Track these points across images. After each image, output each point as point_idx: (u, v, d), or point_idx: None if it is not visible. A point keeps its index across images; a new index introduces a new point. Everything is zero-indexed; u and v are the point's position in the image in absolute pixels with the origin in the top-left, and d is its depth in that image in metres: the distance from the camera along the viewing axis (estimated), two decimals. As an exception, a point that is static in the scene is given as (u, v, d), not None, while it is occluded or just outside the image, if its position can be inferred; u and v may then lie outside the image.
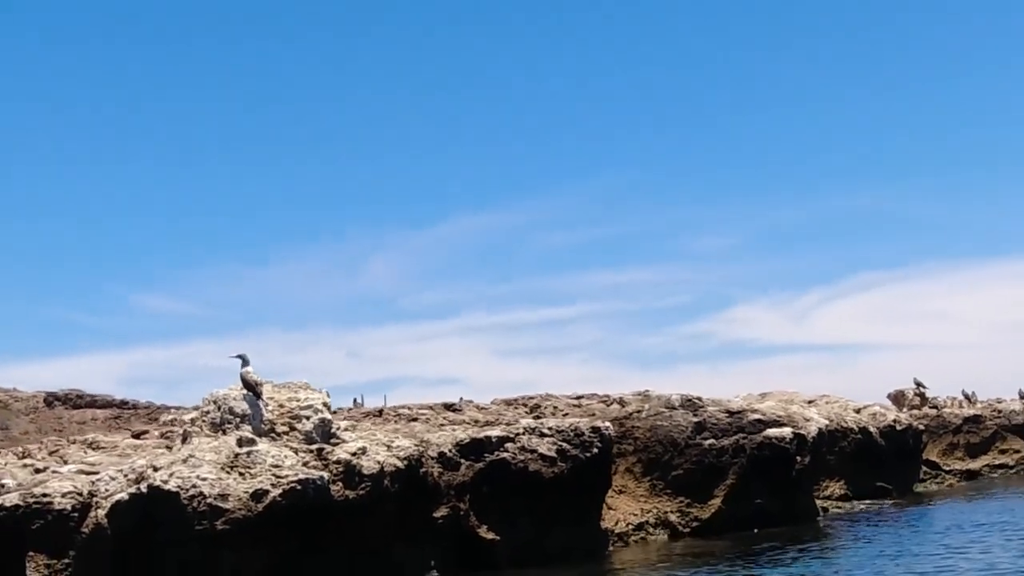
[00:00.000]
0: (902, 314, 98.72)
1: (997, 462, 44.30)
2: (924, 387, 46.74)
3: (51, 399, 40.56)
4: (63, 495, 19.11)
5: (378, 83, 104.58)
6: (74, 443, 24.32)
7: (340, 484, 19.58)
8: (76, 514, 18.94)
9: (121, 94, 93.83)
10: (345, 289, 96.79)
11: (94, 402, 40.89)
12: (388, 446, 20.98)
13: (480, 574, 21.62)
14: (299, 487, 18.79)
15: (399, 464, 20.59)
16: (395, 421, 25.94)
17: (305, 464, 19.49)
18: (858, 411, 37.63)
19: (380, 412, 27.67)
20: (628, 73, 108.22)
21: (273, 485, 18.73)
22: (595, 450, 23.50)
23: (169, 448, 20.82)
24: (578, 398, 31.38)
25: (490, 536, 22.27)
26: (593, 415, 27.47)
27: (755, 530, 27.06)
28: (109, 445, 23.23)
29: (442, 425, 25.30)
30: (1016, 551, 21.59)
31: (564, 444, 23.30)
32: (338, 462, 19.77)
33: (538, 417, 27.01)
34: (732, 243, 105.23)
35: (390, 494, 20.28)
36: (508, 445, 22.98)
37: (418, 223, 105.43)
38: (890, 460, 36.69)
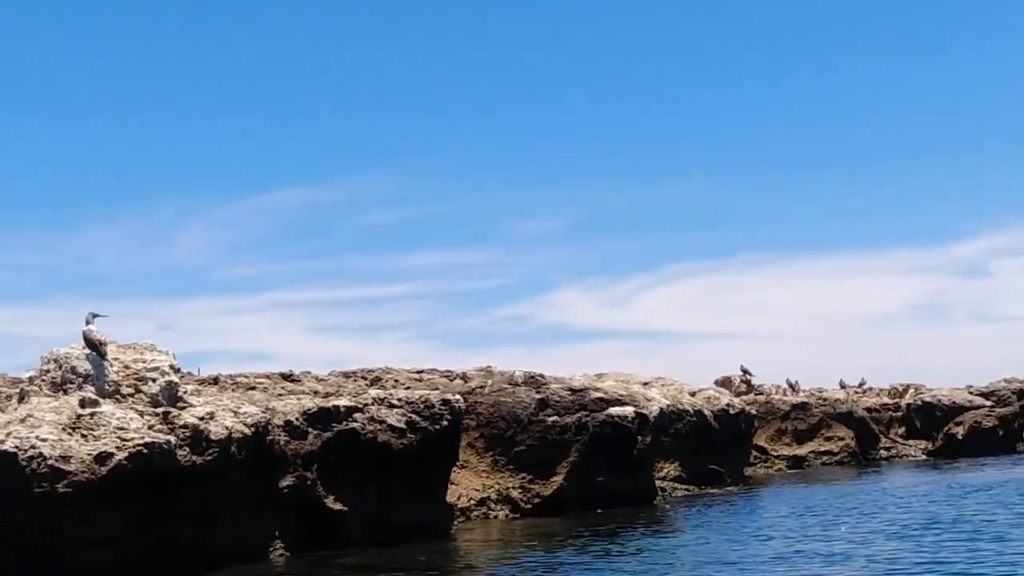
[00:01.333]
0: (719, 304, 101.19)
1: (823, 448, 45.64)
2: (750, 374, 48.09)
3: None
4: None
5: (210, 47, 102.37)
6: None
7: (187, 449, 19.16)
8: (-97, 475, 18.12)
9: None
10: (157, 259, 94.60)
11: None
12: (235, 412, 20.62)
13: (327, 552, 21.34)
14: (145, 451, 18.34)
15: (246, 431, 20.25)
16: (232, 389, 25.43)
17: (151, 428, 19.01)
18: (693, 394, 38.33)
19: (215, 380, 27.08)
20: (459, 54, 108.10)
21: (118, 448, 18.22)
22: (445, 423, 23.46)
23: (2, 409, 20.02)
24: (419, 372, 31.25)
25: (337, 507, 22.06)
26: (436, 389, 27.34)
27: (599, 510, 27.34)
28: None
29: (280, 395, 24.89)
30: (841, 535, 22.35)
31: (414, 416, 23.20)
32: (185, 426, 19.33)
33: (378, 390, 26.83)
34: (554, 227, 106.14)
35: (237, 461, 19.95)
36: (357, 415, 22.79)
37: (235, 195, 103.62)
38: (723, 443, 37.46)
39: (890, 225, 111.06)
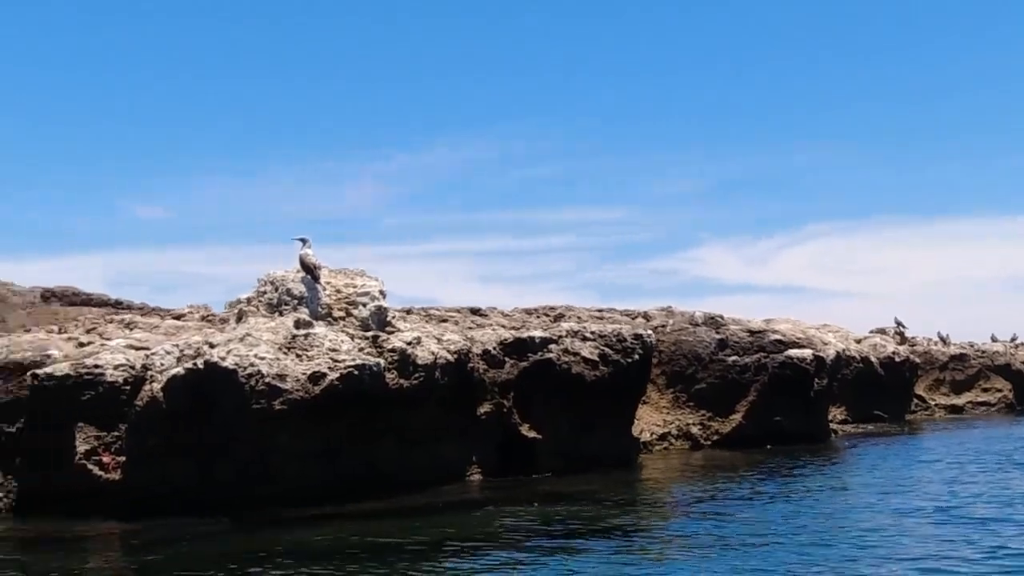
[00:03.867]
0: (856, 263, 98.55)
1: (980, 399, 43.63)
2: (904, 326, 45.97)
3: (48, 295, 39.06)
4: (115, 367, 17.73)
5: (375, 10, 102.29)
6: (111, 323, 22.96)
7: (395, 372, 18.34)
8: (128, 387, 17.59)
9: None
10: (327, 207, 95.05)
11: (89, 300, 39.36)
12: (439, 339, 19.76)
13: (520, 478, 20.33)
14: (355, 372, 17.50)
15: (449, 357, 19.39)
16: (426, 320, 24.66)
17: (361, 350, 18.21)
18: (858, 341, 36.70)
19: (408, 311, 26.37)
20: (607, 16, 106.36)
21: (330, 368, 17.43)
22: (636, 356, 22.27)
23: (222, 330, 19.44)
24: (599, 310, 30.17)
25: (532, 435, 21.09)
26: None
27: (768, 446, 26.05)
28: (148, 326, 21.85)
29: (470, 328, 24.04)
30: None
31: (606, 349, 22.06)
32: (393, 350, 18.50)
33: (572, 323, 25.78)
34: (699, 186, 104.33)
35: (440, 386, 19.09)
36: (551, 346, 21.74)
37: (400, 148, 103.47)
38: (887, 390, 35.83)
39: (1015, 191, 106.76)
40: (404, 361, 18.45)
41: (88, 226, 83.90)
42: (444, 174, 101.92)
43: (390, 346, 18.51)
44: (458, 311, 27.31)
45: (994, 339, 49.85)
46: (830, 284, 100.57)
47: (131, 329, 21.33)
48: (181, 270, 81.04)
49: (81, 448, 17.26)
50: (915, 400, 40.57)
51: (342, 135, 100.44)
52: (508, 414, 20.93)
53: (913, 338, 46.64)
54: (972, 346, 48.55)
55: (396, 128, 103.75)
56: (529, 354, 21.52)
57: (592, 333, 22.25)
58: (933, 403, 42.28)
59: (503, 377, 21.08)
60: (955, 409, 42.60)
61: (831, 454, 25.60)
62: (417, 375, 18.55)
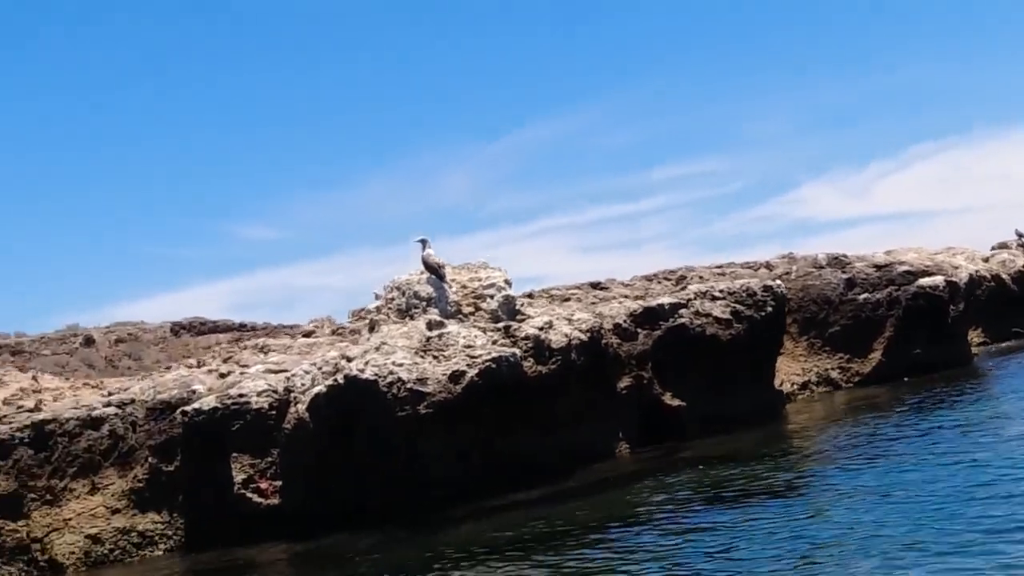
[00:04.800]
0: (960, 180, 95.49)
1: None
2: (1027, 236, 44.28)
3: (177, 328, 39.84)
4: (258, 394, 17.75)
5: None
6: (245, 349, 23.08)
7: (531, 360, 18.05)
8: (274, 411, 17.58)
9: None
10: (425, 203, 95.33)
11: (216, 327, 40.13)
12: (569, 320, 19.42)
13: (667, 445, 19.86)
14: (494, 365, 17.20)
15: (583, 336, 19.03)
16: (549, 301, 24.37)
17: (495, 343, 17.93)
18: (986, 260, 35.45)
19: (530, 295, 26.14)
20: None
21: (469, 365, 17.17)
22: (769, 308, 21.69)
23: (355, 342, 19.38)
24: (719, 267, 29.61)
25: (675, 403, 20.67)
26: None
27: (905, 379, 25.22)
28: (281, 347, 21.89)
29: (593, 303, 23.69)
30: None
31: (737, 305, 21.53)
32: (526, 338, 18.21)
33: (683, 289, 25.27)
34: (787, 127, 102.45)
35: (577, 367, 18.76)
36: (682, 311, 21.29)
37: (486, 135, 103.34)
38: (1021, 305, 34.58)
39: None
40: (539, 347, 18.17)
41: (200, 255, 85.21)
42: (534, 153, 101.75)
43: (523, 334, 18.23)
44: (579, 287, 27.00)
45: None
46: (939, 205, 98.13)
47: (265, 353, 21.38)
48: (295, 285, 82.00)
49: (238, 478, 17.30)
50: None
51: (430, 128, 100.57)
52: (648, 385, 20.54)
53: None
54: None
55: (479, 116, 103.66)
56: (660, 322, 21.10)
57: (721, 291, 21.75)
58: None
59: (638, 349, 20.69)
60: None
61: (974, 379, 24.76)
62: (554, 360, 18.26)
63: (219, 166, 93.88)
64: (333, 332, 22.79)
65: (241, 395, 17.69)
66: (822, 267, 27.22)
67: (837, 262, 27.41)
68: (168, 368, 22.83)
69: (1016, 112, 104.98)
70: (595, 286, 27.28)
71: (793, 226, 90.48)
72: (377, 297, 26.68)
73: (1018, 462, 13.34)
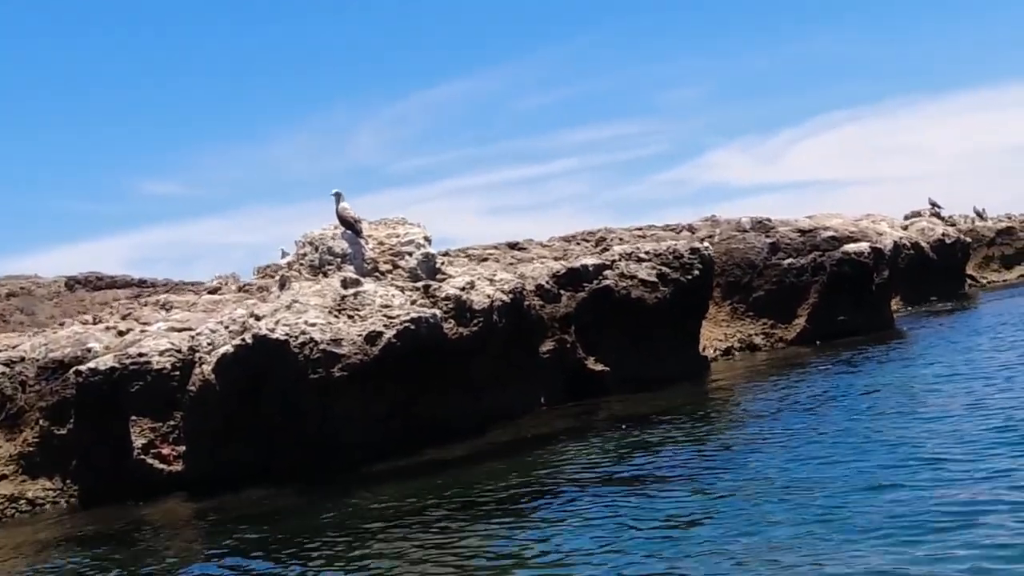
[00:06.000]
0: (869, 149, 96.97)
1: (1032, 272, 42.38)
2: (939, 207, 44.54)
3: (72, 283, 38.23)
4: (160, 353, 16.74)
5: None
6: (145, 306, 21.94)
7: (452, 321, 17.19)
8: (177, 372, 16.59)
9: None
10: (334, 160, 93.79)
11: (114, 283, 38.59)
12: (491, 280, 18.59)
13: (587, 404, 19.21)
14: (412, 326, 16.31)
15: (505, 298, 18.21)
16: (468, 261, 23.53)
17: (413, 303, 17.04)
18: (904, 228, 35.43)
19: (446, 254, 25.30)
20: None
21: (386, 326, 16.25)
22: (696, 272, 21.08)
23: (264, 300, 18.38)
24: (639, 229, 29.00)
25: (599, 368, 20.02)
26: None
27: (817, 341, 24.91)
28: (184, 304, 20.80)
29: (511, 264, 22.92)
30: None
31: (664, 268, 20.91)
32: (447, 298, 17.34)
33: (604, 250, 24.59)
34: (700, 93, 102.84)
35: (499, 329, 17.95)
36: (607, 272, 20.61)
37: (399, 93, 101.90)
38: (939, 273, 34.66)
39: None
40: (460, 308, 17.32)
41: (101, 209, 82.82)
42: (447, 113, 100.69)
43: (443, 294, 17.37)
44: (496, 247, 26.24)
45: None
46: (848, 174, 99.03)
47: (168, 310, 20.30)
48: (198, 242, 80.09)
49: (138, 443, 16.29)
50: (967, 280, 39.35)
51: (342, 86, 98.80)
52: (572, 349, 19.84)
53: (950, 217, 45.33)
54: (1011, 218, 47.34)
55: (396, 72, 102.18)
56: (584, 284, 20.41)
57: (647, 253, 21.10)
58: (985, 281, 41.04)
59: (561, 311, 19.98)
60: (1007, 285, 41.33)
61: (889, 338, 24.72)
62: (475, 321, 17.42)
63: (120, 118, 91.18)
64: (240, 289, 21.80)
65: (141, 354, 16.66)
66: (746, 231, 26.75)
67: (761, 226, 26.95)
68: (62, 324, 21.59)
69: (926, 85, 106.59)
70: (512, 246, 26.56)
71: (704, 191, 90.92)
72: (284, 254, 25.63)
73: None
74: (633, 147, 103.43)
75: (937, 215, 44.27)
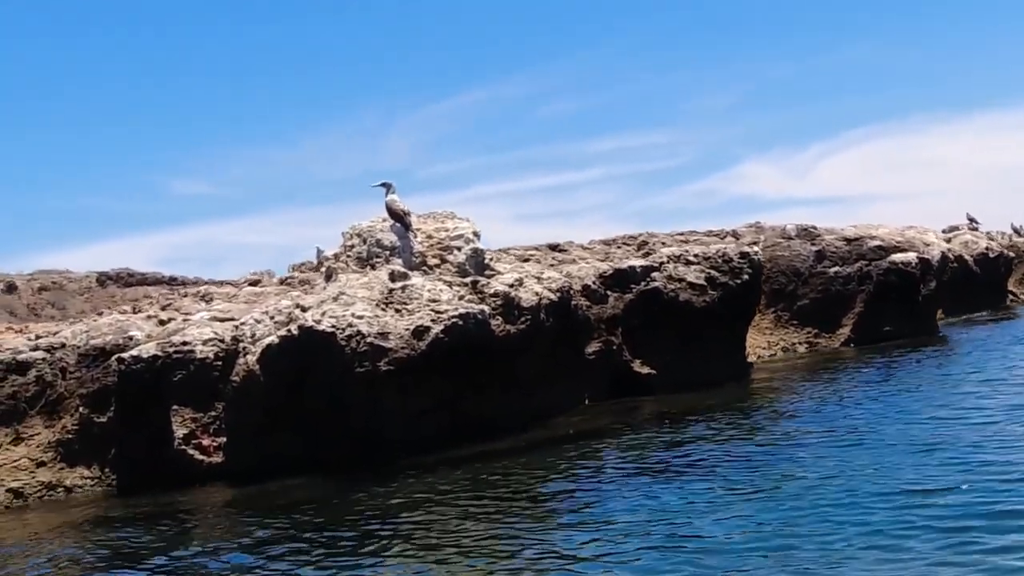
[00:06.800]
0: (898, 164, 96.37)
1: (1076, 289, 41.74)
2: (977, 222, 43.93)
3: (103, 279, 38.25)
4: (204, 343, 16.51)
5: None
6: (185, 297, 21.79)
7: (500, 318, 16.92)
8: (220, 363, 16.36)
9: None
10: (362, 164, 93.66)
11: (144, 279, 38.62)
12: (538, 278, 18.34)
13: (634, 400, 19.08)
14: (460, 322, 16.06)
15: (552, 297, 17.96)
16: (513, 259, 23.26)
17: (461, 298, 16.79)
18: (948, 240, 34.96)
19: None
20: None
21: (434, 321, 16.00)
22: (745, 276, 20.73)
23: (308, 292, 18.14)
24: (681, 234, 28.68)
25: (645, 371, 19.73)
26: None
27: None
28: (224, 296, 20.63)
29: (552, 265, 22.64)
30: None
31: (712, 271, 20.57)
32: (495, 295, 17.08)
33: (647, 254, 24.28)
34: (731, 103, 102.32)
35: (546, 328, 17.69)
36: (655, 275, 20.32)
37: (430, 98, 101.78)
38: (982, 287, 34.21)
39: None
40: (508, 305, 17.07)
41: (132, 208, 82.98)
42: (475, 118, 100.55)
43: (492, 291, 17.11)
44: (537, 248, 25.95)
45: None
46: (875, 189, 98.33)
47: (208, 301, 20.12)
48: (226, 242, 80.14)
49: (179, 433, 16.06)
50: (1008, 295, 38.87)
51: (372, 89, 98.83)
52: (618, 351, 19.56)
53: (988, 233, 44.81)
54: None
55: (425, 77, 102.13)
56: (632, 285, 20.13)
57: (696, 256, 20.79)
58: (1025, 299, 40.55)
59: (608, 312, 19.72)
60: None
61: (936, 343, 24.65)
62: (523, 319, 17.17)
63: (153, 118, 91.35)
64: (281, 282, 21.57)
65: (185, 343, 16.44)
66: (791, 238, 26.42)
67: (806, 233, 26.62)
68: (100, 314, 21.45)
69: (955, 101, 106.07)
70: (553, 247, 26.26)
71: (733, 202, 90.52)
72: (320, 252, 25.53)
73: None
74: (661, 157, 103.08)
75: (975, 230, 43.81)
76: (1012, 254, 37.65)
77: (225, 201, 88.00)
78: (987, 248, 34.82)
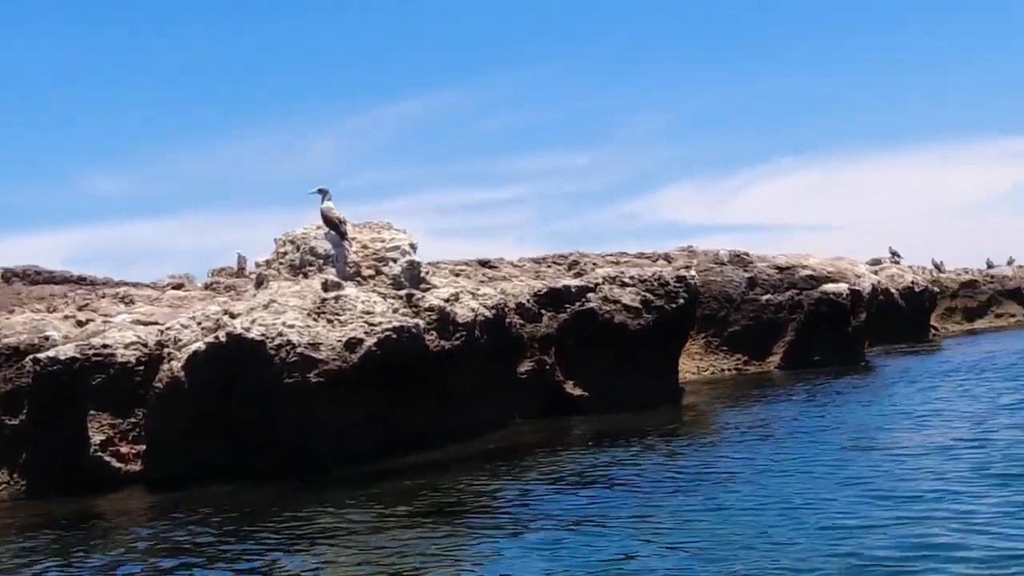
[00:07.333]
0: (821, 196, 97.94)
1: (994, 325, 42.50)
2: (899, 256, 44.42)
3: (9, 275, 37.07)
4: (126, 346, 15.97)
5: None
6: (103, 298, 21.11)
7: (434, 333, 16.54)
8: (142, 367, 15.84)
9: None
10: (288, 169, 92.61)
11: (52, 278, 37.36)
12: (474, 294, 18.01)
13: (564, 419, 18.97)
14: (394, 336, 15.67)
15: (488, 313, 17.62)
16: (443, 275, 22.90)
17: (396, 311, 16.39)
18: (875, 273, 35.21)
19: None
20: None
21: (367, 333, 15.58)
22: (681, 300, 20.58)
23: (236, 298, 17.65)
24: (611, 255, 28.50)
25: (577, 392, 19.50)
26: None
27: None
28: (145, 299, 20.03)
29: (482, 281, 22.33)
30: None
31: (648, 294, 20.40)
32: (431, 309, 16.70)
33: (578, 274, 24.06)
34: (659, 128, 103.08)
35: (481, 345, 17.35)
36: (590, 295, 20.10)
37: (359, 106, 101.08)
38: (906, 321, 34.51)
39: (982, 114, 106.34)
40: (443, 320, 16.69)
41: (43, 202, 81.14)
42: (405, 129, 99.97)
43: (427, 305, 16.72)
44: (467, 263, 25.63)
45: (990, 264, 48.77)
46: (799, 218, 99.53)
47: (129, 304, 19.51)
48: (140, 243, 78.68)
49: (96, 439, 15.49)
50: (931, 330, 39.31)
51: (302, 94, 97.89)
52: (551, 371, 19.30)
53: (910, 267, 45.39)
54: (968, 272, 47.44)
55: (357, 84, 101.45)
56: (567, 305, 19.90)
57: (632, 278, 20.60)
58: (945, 334, 41.04)
59: (542, 331, 19.48)
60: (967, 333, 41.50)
61: (860, 370, 24.89)
62: (458, 335, 16.80)
63: (68, 111, 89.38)
64: (207, 287, 21.02)
65: (105, 346, 15.88)
66: (723, 264, 26.42)
67: (739, 260, 26.63)
68: (11, 312, 20.68)
69: (876, 135, 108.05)
70: (483, 263, 25.96)
71: (654, 227, 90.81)
72: (241, 258, 24.99)
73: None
74: (586, 177, 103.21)
75: (897, 263, 44.33)
76: (936, 289, 38.02)
77: (140, 201, 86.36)
78: (913, 282, 35.19)
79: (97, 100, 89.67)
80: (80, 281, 38.04)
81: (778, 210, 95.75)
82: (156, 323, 16.86)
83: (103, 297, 21.02)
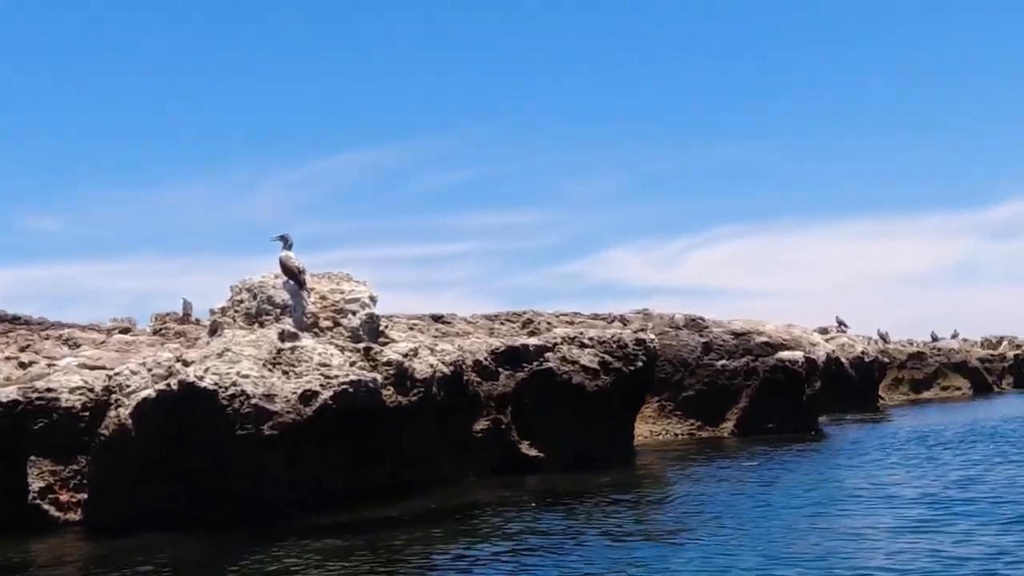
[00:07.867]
0: (763, 263, 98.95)
1: (940, 396, 42.74)
2: (846, 326, 44.72)
3: (-62, 312, 36.34)
4: (71, 391, 15.47)
5: (276, 11, 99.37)
6: (47, 339, 20.53)
7: (392, 388, 16.20)
8: (87, 413, 15.34)
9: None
10: (231, 218, 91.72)
11: (-13, 316, 36.83)
12: (432, 349, 17.69)
13: (519, 477, 18.52)
14: (351, 389, 15.34)
15: (446, 370, 17.32)
16: (401, 329, 22.54)
17: (353, 364, 16.04)
18: (826, 341, 35.27)
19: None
20: (505, 20, 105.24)
21: (323, 386, 15.23)
22: (640, 363, 20.40)
23: (188, 345, 17.20)
24: (565, 315, 28.28)
25: (532, 453, 19.20)
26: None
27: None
28: (91, 343, 19.49)
29: (436, 337, 22.00)
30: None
31: (607, 356, 20.18)
32: (388, 364, 16.36)
33: (532, 333, 23.81)
34: (605, 189, 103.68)
35: (437, 401, 17.02)
36: (548, 355, 19.82)
37: (303, 157, 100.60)
38: (855, 390, 34.54)
39: (926, 188, 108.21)
40: (401, 375, 16.36)
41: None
42: (347, 183, 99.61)
43: (385, 359, 16.39)
44: (420, 318, 25.29)
45: (934, 337, 49.20)
46: (739, 285, 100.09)
47: (73, 347, 18.99)
48: (77, 284, 77.37)
49: (35, 486, 14.97)
50: (879, 399, 39.43)
51: (244, 144, 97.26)
52: (507, 430, 18.97)
53: (856, 336, 45.60)
54: (912, 343, 47.79)
55: (299, 137, 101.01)
56: (524, 364, 19.59)
57: (591, 339, 20.38)
58: (892, 404, 41.17)
59: (499, 390, 19.13)
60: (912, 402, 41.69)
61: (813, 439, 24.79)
62: (416, 391, 16.47)
63: (7, 150, 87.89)
64: (155, 332, 20.51)
65: (49, 389, 15.39)
66: (679, 328, 26.27)
67: (695, 324, 26.51)
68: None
69: (821, 206, 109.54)
70: (436, 319, 25.63)
71: (598, 287, 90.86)
72: (186, 303, 24.51)
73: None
74: (532, 236, 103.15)
75: (843, 333, 44.51)
76: (886, 359, 38.17)
77: (79, 241, 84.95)
78: (863, 352, 35.29)
79: (36, 140, 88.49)
80: (15, 320, 37.26)
81: (719, 276, 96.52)
82: (103, 367, 16.36)
83: (47, 339, 20.47)
